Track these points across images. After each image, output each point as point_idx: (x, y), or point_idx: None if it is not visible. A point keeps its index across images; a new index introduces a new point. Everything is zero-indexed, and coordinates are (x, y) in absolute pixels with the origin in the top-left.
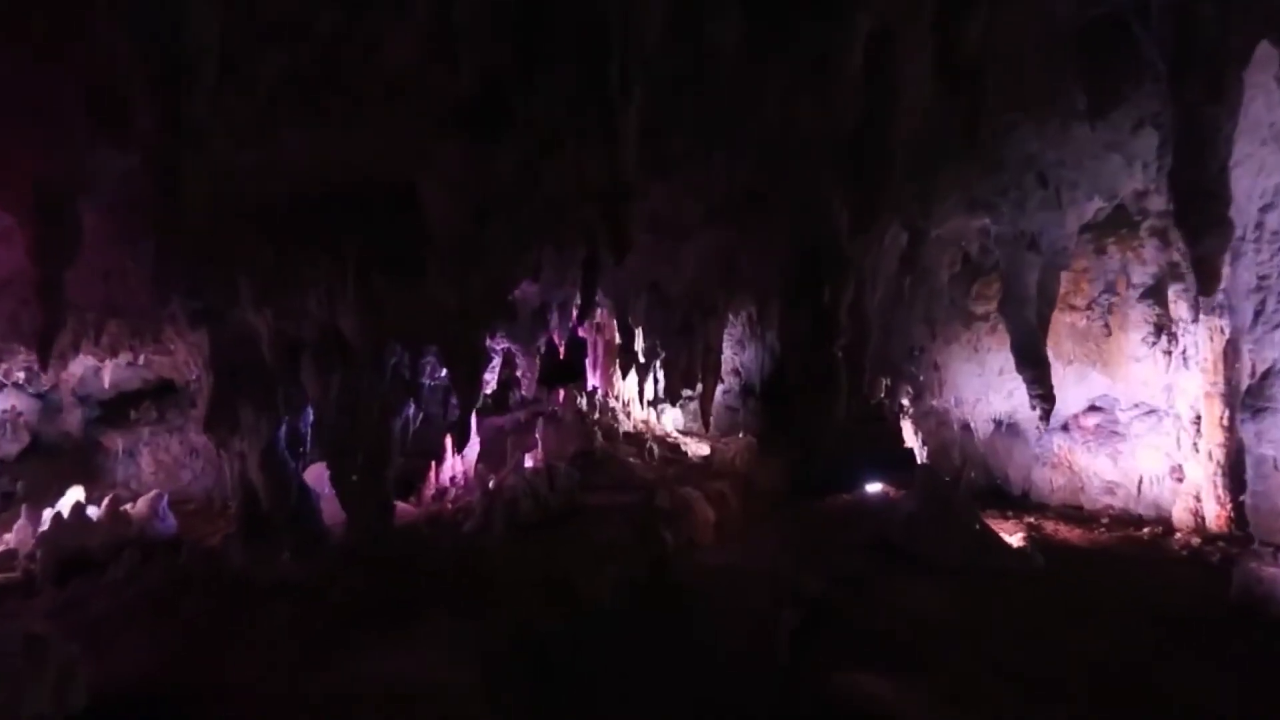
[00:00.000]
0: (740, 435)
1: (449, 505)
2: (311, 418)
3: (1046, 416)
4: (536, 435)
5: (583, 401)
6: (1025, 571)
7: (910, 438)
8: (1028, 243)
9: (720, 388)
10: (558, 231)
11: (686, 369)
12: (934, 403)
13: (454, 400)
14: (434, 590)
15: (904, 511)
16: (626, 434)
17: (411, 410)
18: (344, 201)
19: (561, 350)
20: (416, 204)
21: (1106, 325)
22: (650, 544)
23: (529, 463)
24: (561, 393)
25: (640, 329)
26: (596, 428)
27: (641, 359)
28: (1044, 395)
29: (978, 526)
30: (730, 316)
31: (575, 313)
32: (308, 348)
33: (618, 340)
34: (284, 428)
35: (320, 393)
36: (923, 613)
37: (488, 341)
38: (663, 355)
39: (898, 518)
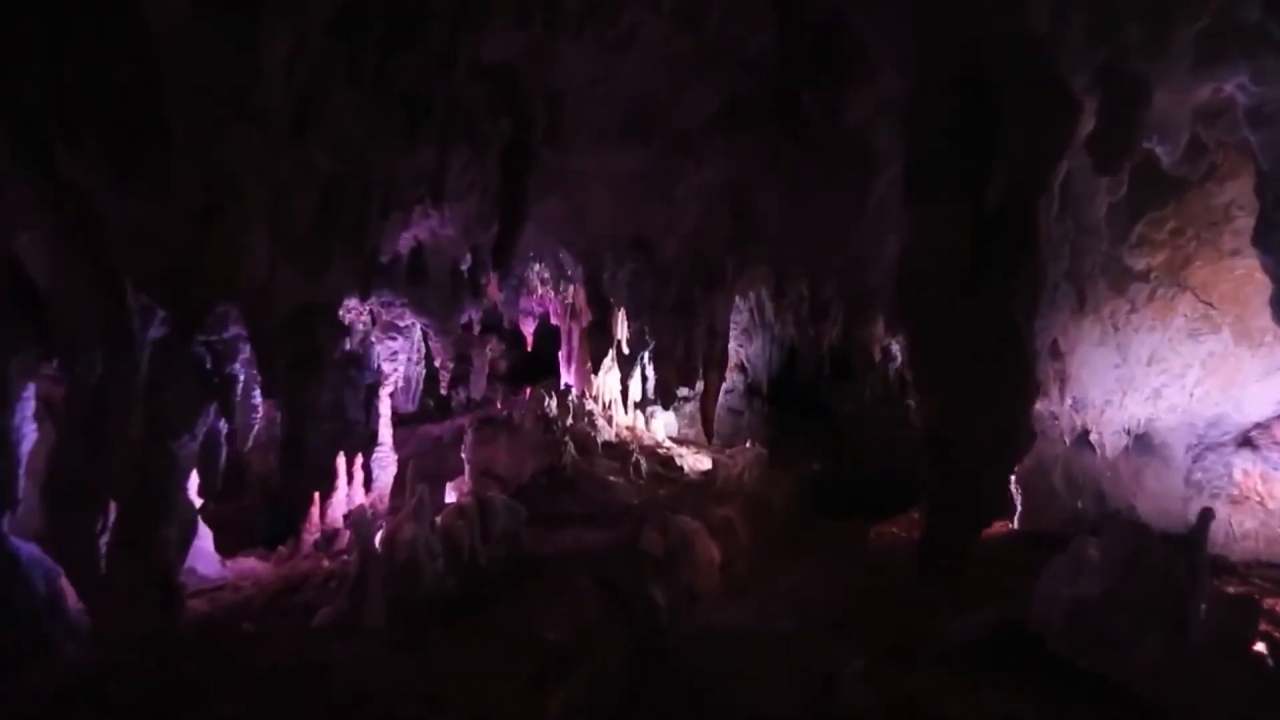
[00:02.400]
0: (748, 444)
1: (327, 562)
2: (26, 442)
3: None
4: (462, 453)
5: (551, 404)
6: None
7: None
8: None
9: (722, 386)
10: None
11: (683, 361)
12: (1037, 404)
13: (380, 404)
14: None
15: (1073, 590)
16: (607, 444)
17: (220, 422)
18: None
19: (529, 340)
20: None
21: None
22: (634, 615)
23: (452, 496)
24: (529, 392)
25: (622, 308)
26: (567, 437)
27: (625, 348)
28: None
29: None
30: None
31: (500, 264)
32: None
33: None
34: None
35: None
36: None
37: (377, 311)
38: (652, 343)
39: (1057, 598)
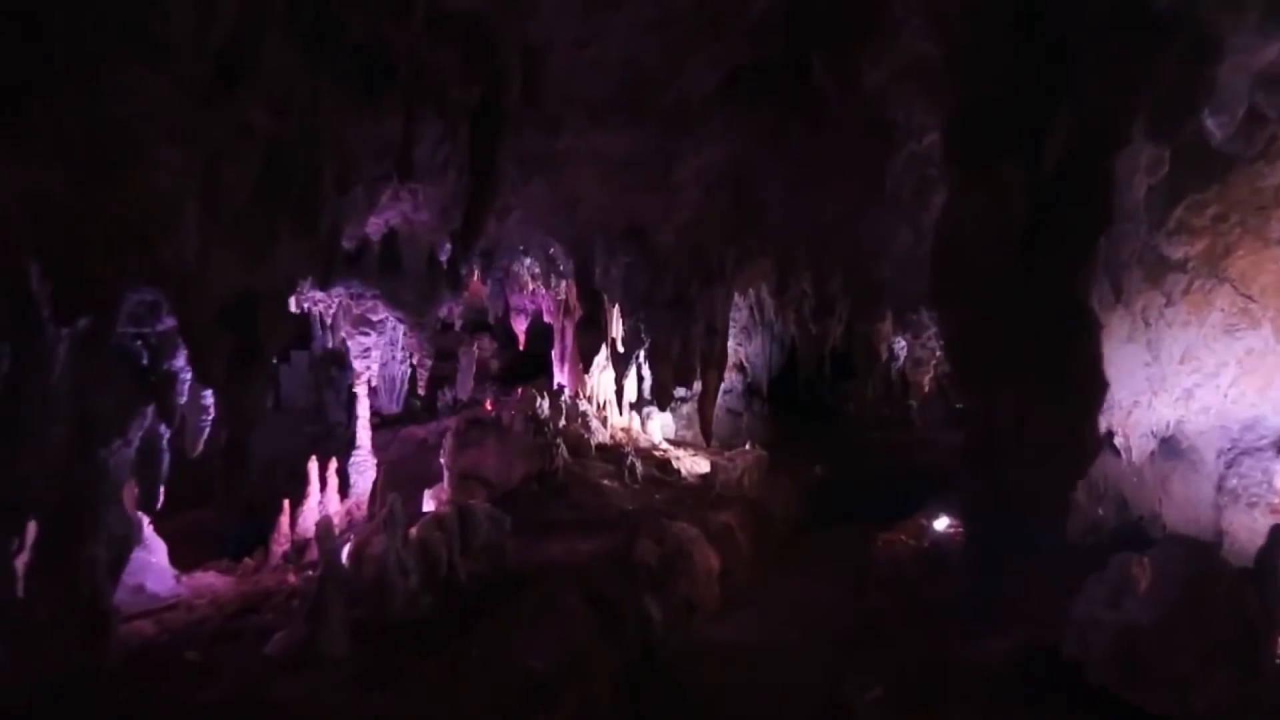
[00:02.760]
0: (747, 447)
1: (293, 577)
2: None
3: None
4: (440, 458)
5: (543, 405)
6: None
7: None
8: None
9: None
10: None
11: (680, 360)
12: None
13: (358, 404)
14: None
15: (1117, 616)
16: (601, 447)
17: (160, 424)
18: None
19: (521, 339)
20: None
21: None
22: (627, 634)
23: (431, 504)
24: (519, 392)
25: (618, 304)
26: (560, 440)
27: (620, 346)
28: None
29: None
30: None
31: (466, 244)
32: None
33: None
34: None
35: None
36: None
37: (347, 304)
38: (648, 341)
39: (1098, 625)
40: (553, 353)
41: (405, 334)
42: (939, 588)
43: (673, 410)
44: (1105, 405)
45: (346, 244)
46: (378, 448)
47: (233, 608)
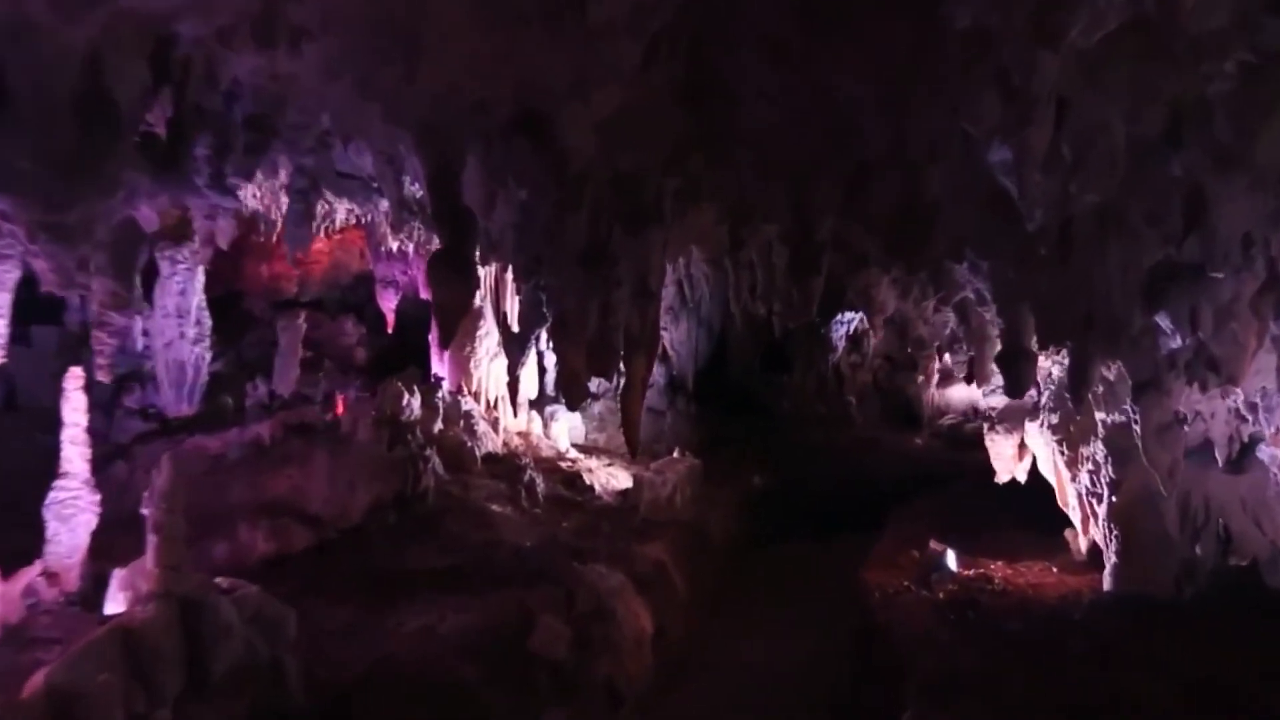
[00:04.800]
0: (676, 455)
1: None
2: None
3: None
4: (143, 506)
5: (412, 404)
6: None
7: (1004, 452)
8: None
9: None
10: None
11: (598, 339)
12: (1166, 395)
13: (66, 403)
14: None
15: None
16: (491, 458)
17: None
18: None
19: (390, 319)
20: None
21: None
22: None
23: (120, 600)
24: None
25: (509, 264)
26: (431, 450)
27: (513, 322)
28: None
29: None
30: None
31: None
32: None
33: (479, 298)
34: None
35: None
36: None
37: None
38: (551, 313)
39: None
40: (431, 336)
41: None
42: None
43: (582, 409)
44: (1252, 407)
45: None
46: (143, 463)
47: None
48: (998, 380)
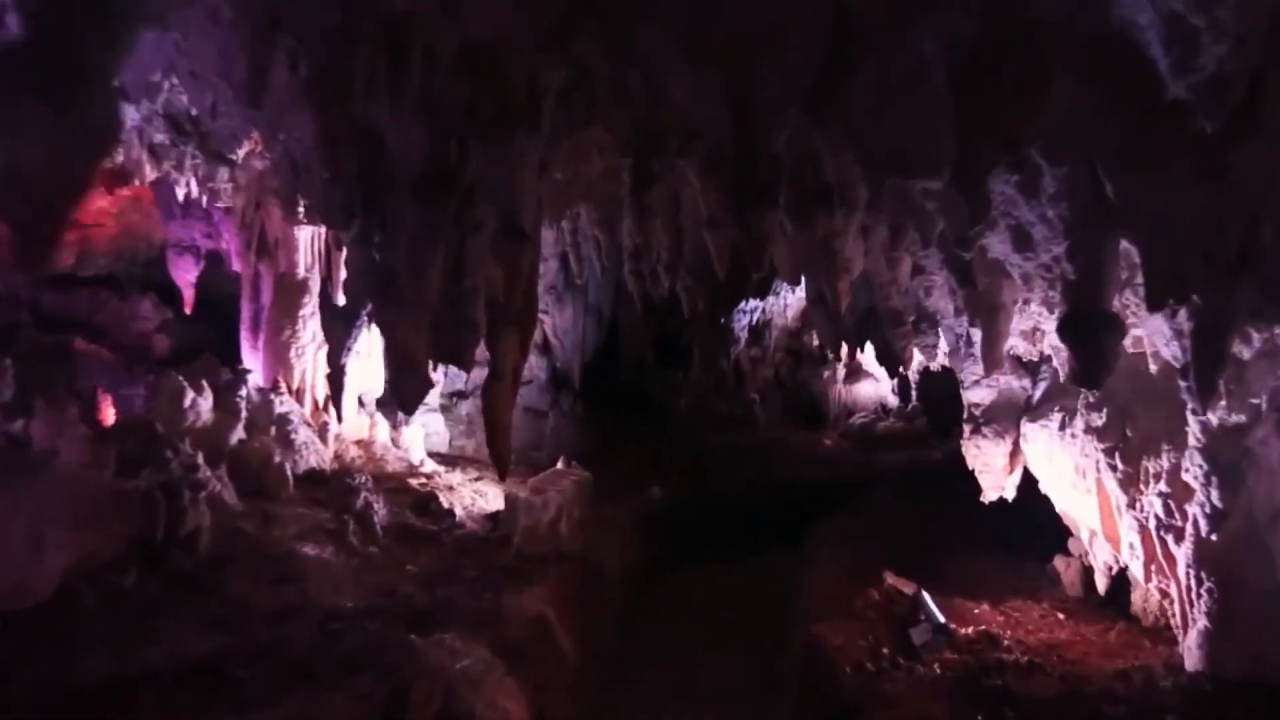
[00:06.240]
0: (561, 465)
1: None
2: None
3: None
4: None
5: (200, 404)
6: None
7: (994, 462)
8: None
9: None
10: None
11: (449, 307)
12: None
13: None
14: None
15: None
16: (313, 475)
17: None
18: None
19: (188, 295)
20: None
21: None
22: None
23: None
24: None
25: (315, 208)
26: (211, 472)
27: (338, 297)
28: None
29: None
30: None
31: None
32: None
33: (300, 270)
34: None
35: None
36: None
37: None
38: (388, 277)
39: None
40: (241, 318)
41: None
42: None
43: (445, 411)
44: None
45: None
46: None
47: None
48: (977, 369)
